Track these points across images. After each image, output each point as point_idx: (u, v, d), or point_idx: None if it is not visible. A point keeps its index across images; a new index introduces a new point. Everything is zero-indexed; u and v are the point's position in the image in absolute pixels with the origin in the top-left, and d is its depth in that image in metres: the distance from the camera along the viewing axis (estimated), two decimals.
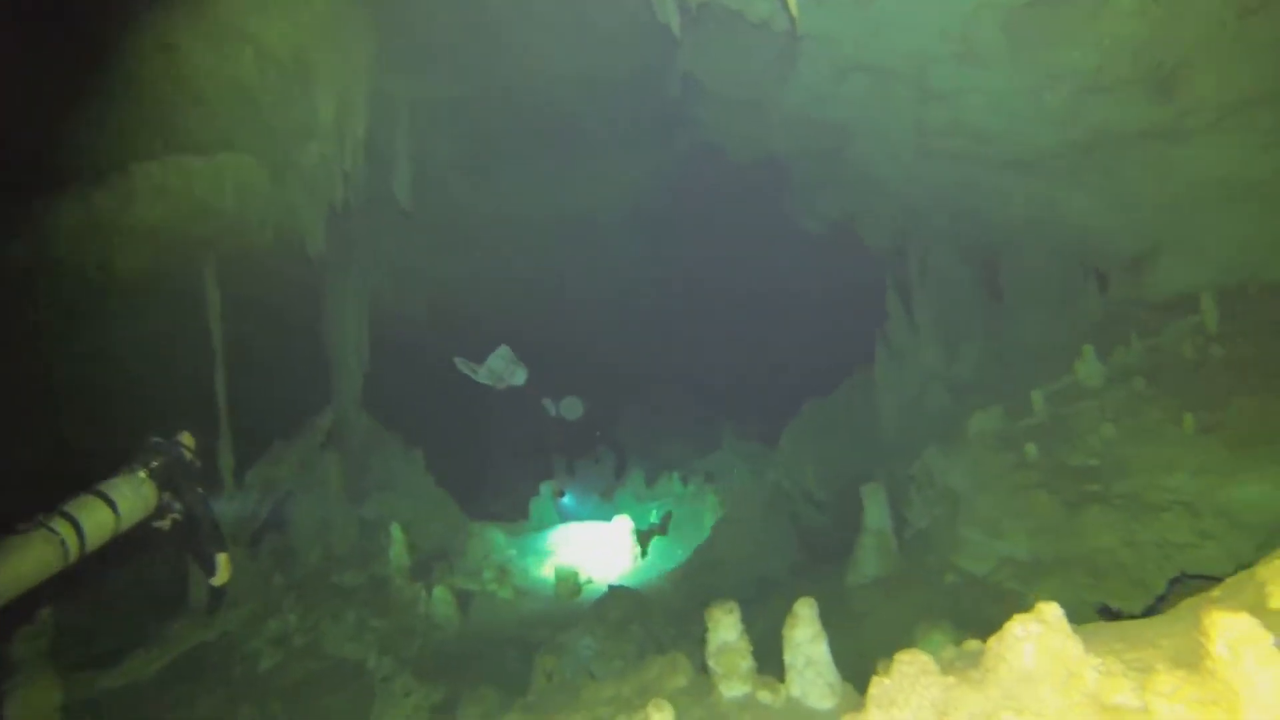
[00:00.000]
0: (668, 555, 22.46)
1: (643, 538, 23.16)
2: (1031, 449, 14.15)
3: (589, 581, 20.29)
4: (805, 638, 7.58)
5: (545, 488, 26.42)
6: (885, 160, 20.35)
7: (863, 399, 22.53)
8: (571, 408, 28.37)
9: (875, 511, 14.92)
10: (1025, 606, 13.56)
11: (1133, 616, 12.39)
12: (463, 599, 18.22)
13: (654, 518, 24.45)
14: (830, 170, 22.77)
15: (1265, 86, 14.49)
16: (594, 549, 22.43)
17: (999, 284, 22.69)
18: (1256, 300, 17.09)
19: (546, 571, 20.97)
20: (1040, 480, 13.67)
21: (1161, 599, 12.49)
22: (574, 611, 17.94)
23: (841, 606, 14.95)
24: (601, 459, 32.97)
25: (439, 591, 17.39)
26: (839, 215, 25.08)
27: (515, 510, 26.16)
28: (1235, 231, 18.32)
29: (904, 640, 12.75)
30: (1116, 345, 16.42)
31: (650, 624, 15.76)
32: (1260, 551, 12.28)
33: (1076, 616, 12.93)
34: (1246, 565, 12.72)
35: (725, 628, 8.07)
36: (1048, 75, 15.23)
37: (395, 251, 26.00)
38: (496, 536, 21.58)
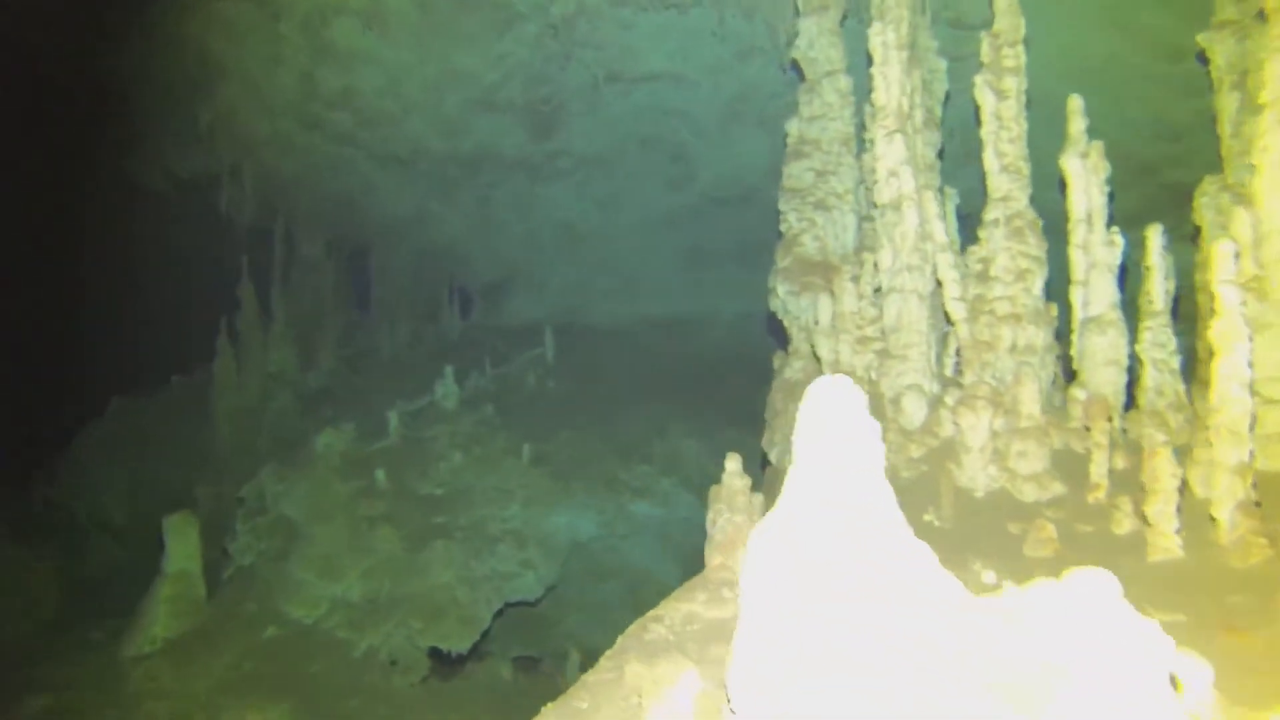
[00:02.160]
0: None
1: None
2: (381, 475, 12.85)
3: None
4: None
5: None
6: (261, 117, 17.07)
7: (195, 401, 18.44)
8: None
9: (181, 550, 11.60)
10: (353, 657, 11.77)
11: (461, 656, 12.06)
12: None
13: None
14: (190, 118, 18.28)
15: (607, 148, 16.27)
16: None
17: (366, 288, 21.46)
18: (580, 337, 19.37)
19: None
20: (386, 511, 12.42)
21: (486, 633, 12.56)
22: None
23: (111, 685, 11.13)
24: None
25: None
26: (193, 176, 20.52)
27: None
28: (569, 275, 20.69)
29: None
30: (473, 369, 16.50)
31: None
32: (561, 570, 13.33)
33: (408, 661, 11.72)
34: (553, 587, 13.61)
35: None
36: (448, 73, 14.39)
37: None
38: None
